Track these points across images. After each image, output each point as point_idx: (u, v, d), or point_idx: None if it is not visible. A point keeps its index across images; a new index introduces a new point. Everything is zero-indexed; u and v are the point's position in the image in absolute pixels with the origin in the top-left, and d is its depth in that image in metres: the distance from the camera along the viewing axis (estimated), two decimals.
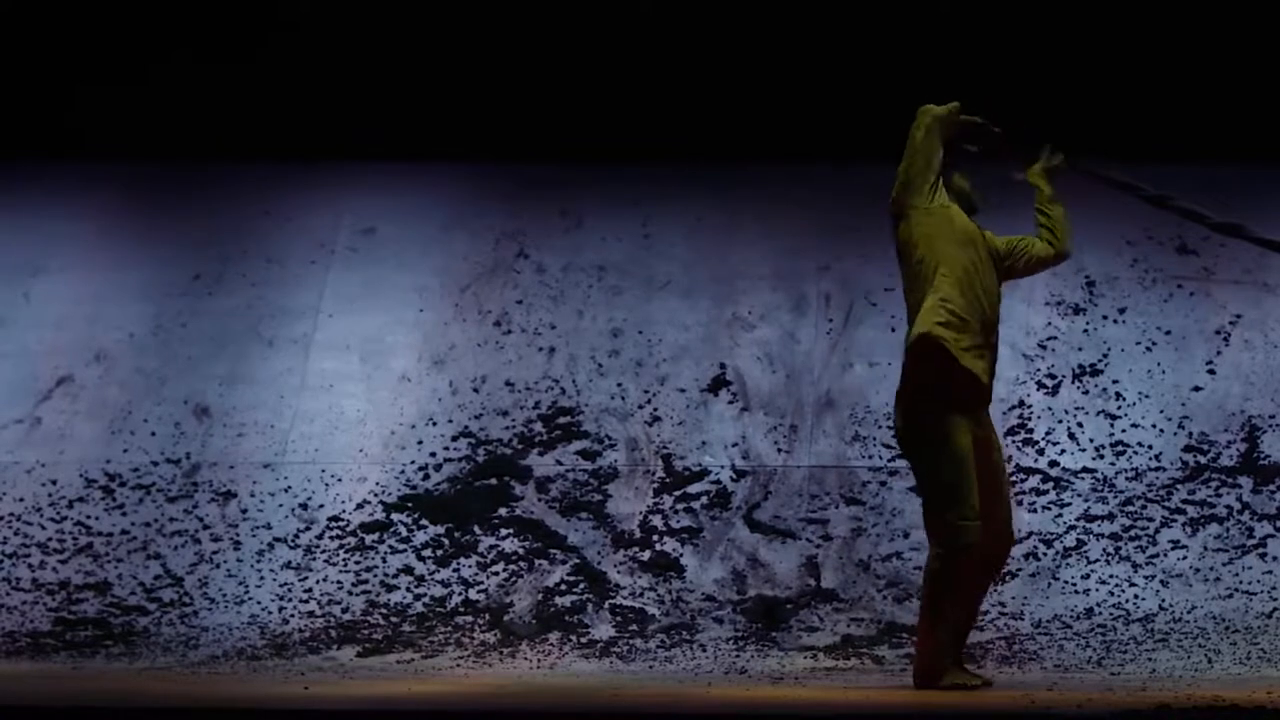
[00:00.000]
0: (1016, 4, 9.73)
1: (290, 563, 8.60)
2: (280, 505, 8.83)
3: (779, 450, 8.88)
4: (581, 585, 8.42)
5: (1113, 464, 8.70)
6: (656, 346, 9.32)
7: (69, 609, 8.44)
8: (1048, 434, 8.82)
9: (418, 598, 8.41)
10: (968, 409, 6.65)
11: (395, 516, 8.76)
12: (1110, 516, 8.53)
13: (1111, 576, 8.29)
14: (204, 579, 8.55)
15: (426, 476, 8.91)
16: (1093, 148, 8.30)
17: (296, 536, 8.70)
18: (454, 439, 9.04)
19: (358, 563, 8.57)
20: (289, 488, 8.89)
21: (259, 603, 8.42)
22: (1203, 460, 8.69)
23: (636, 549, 8.56)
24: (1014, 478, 8.60)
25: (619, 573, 8.46)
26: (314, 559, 8.60)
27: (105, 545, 8.71)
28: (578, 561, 8.53)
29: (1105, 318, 9.23)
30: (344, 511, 8.79)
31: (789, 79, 9.84)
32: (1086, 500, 8.58)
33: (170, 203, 10.11)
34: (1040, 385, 8.99)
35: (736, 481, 8.79)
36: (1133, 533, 8.45)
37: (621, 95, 9.93)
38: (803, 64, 9.85)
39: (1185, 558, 8.34)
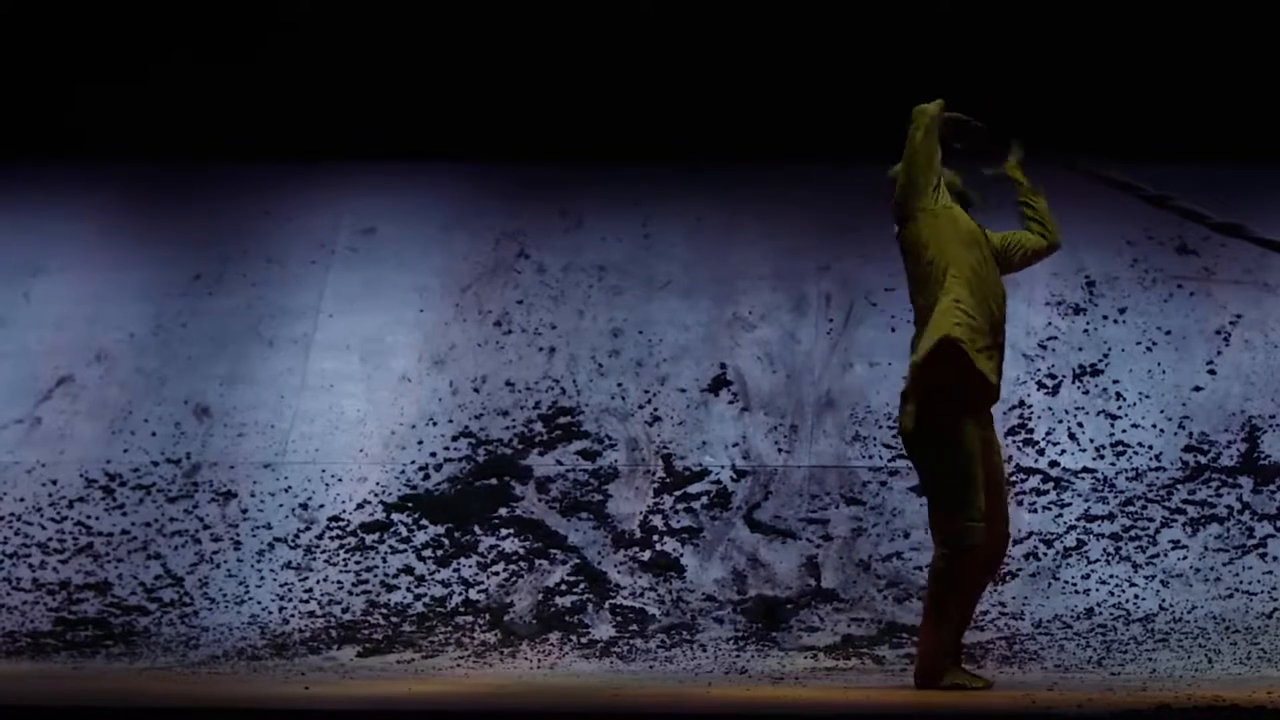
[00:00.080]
0: (1016, 4, 9.73)
1: (290, 563, 8.60)
2: (280, 505, 8.83)
3: (779, 450, 8.88)
4: (582, 585, 8.42)
5: (1113, 464, 8.70)
6: (657, 346, 9.32)
7: (69, 609, 8.44)
8: (1048, 434, 8.82)
9: (418, 598, 8.41)
10: (976, 409, 6.67)
11: (395, 516, 8.76)
12: (1110, 516, 8.53)
13: (1112, 576, 8.29)
14: (204, 579, 8.55)
15: (427, 476, 8.91)
16: (1093, 148, 8.31)
17: (297, 536, 8.70)
18: (454, 439, 9.04)
19: (358, 563, 8.57)
20: (289, 488, 8.89)
21: (259, 603, 8.42)
22: (1203, 460, 8.69)
23: (637, 549, 8.56)
24: (1014, 478, 8.60)
25: (619, 573, 8.46)
26: (314, 559, 8.61)
27: (105, 545, 8.71)
28: (578, 561, 8.53)
29: (1105, 318, 9.23)
30: (344, 511, 8.79)
31: (789, 79, 9.84)
32: (1087, 500, 8.59)
33: (170, 203, 10.11)
34: (1040, 385, 8.99)
35: (737, 481, 8.79)
36: (1133, 533, 8.46)
37: (621, 95, 9.93)
38: (803, 64, 9.85)
39: (1185, 558, 8.34)
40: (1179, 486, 8.61)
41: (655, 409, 9.08)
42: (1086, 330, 9.19)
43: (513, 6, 9.97)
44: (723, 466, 8.85)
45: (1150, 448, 8.75)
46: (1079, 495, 8.61)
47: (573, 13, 9.93)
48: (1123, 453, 8.74)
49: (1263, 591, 8.16)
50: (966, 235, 6.76)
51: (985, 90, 9.28)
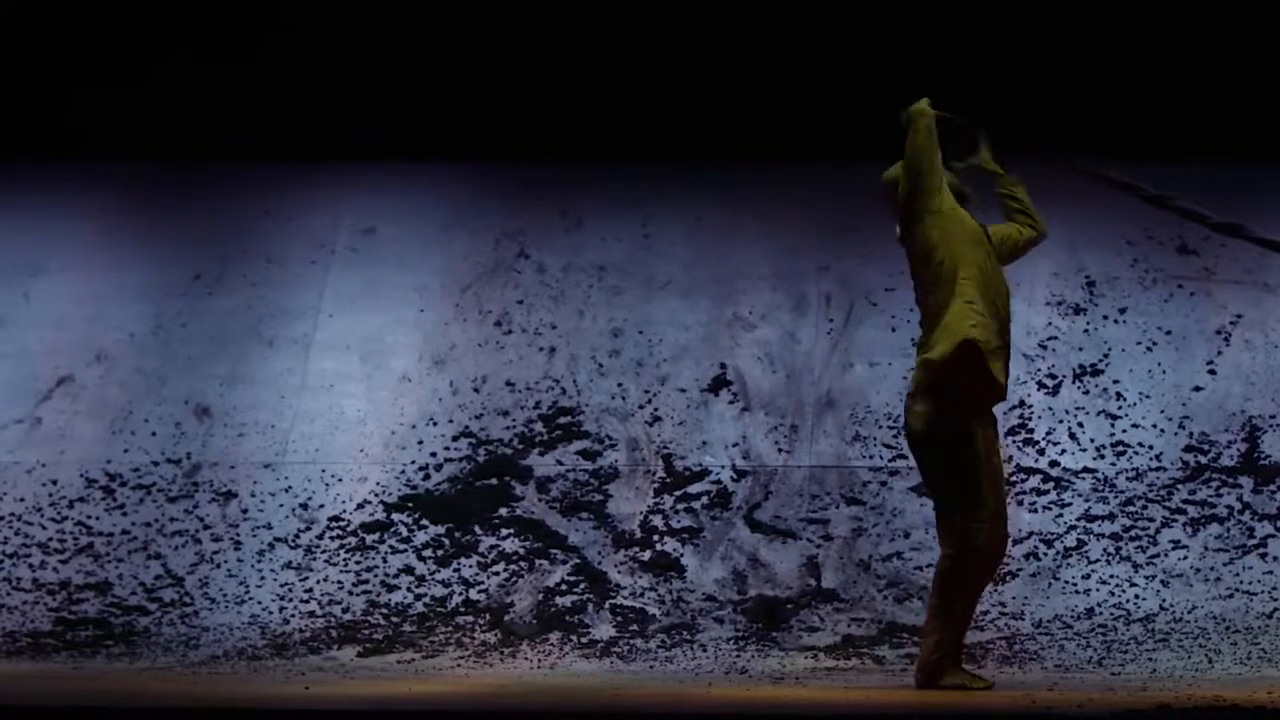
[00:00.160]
0: (1016, 4, 9.73)
1: (291, 563, 8.60)
2: (281, 505, 8.83)
3: (779, 450, 8.88)
4: (582, 585, 8.42)
5: (1113, 464, 8.70)
6: (657, 346, 9.32)
7: (70, 609, 8.44)
8: (1048, 434, 8.82)
9: (418, 598, 8.41)
10: (983, 409, 6.69)
11: (396, 516, 8.76)
12: (1111, 516, 8.53)
13: (1112, 576, 8.29)
14: (204, 579, 8.55)
15: (427, 476, 8.91)
16: (1093, 148, 8.30)
17: (297, 536, 8.70)
18: (454, 439, 9.04)
19: (358, 563, 8.57)
20: (289, 488, 8.89)
21: (259, 603, 8.42)
22: (1203, 460, 8.69)
23: (637, 549, 8.56)
24: (1014, 478, 8.60)
25: (619, 573, 8.46)
26: (314, 559, 8.60)
27: (106, 545, 8.71)
28: (578, 561, 8.53)
29: (1106, 318, 9.23)
30: (344, 511, 8.79)
31: (789, 79, 9.84)
32: (1087, 500, 8.59)
33: (170, 203, 10.11)
34: (1041, 385, 8.99)
35: (737, 481, 8.79)
36: (1133, 533, 8.46)
37: (621, 95, 9.93)
38: (803, 64, 9.85)
39: (1186, 558, 8.34)
40: (1179, 486, 8.61)
41: (655, 409, 9.08)
42: (1087, 330, 9.19)
43: (513, 6, 9.96)
44: (723, 466, 8.85)
45: (1150, 448, 8.75)
46: (1079, 495, 8.61)
47: (573, 13, 9.93)
48: (1123, 453, 8.75)
49: (1263, 591, 8.16)
50: (972, 235, 6.76)
51: (985, 90, 9.29)
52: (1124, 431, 8.81)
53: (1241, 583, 8.21)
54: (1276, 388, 8.92)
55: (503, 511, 8.75)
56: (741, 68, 9.88)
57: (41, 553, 8.69)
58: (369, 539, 8.67)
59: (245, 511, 8.81)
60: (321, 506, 8.82)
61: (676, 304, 9.49)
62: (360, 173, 10.15)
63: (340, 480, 8.90)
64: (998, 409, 6.87)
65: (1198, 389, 8.95)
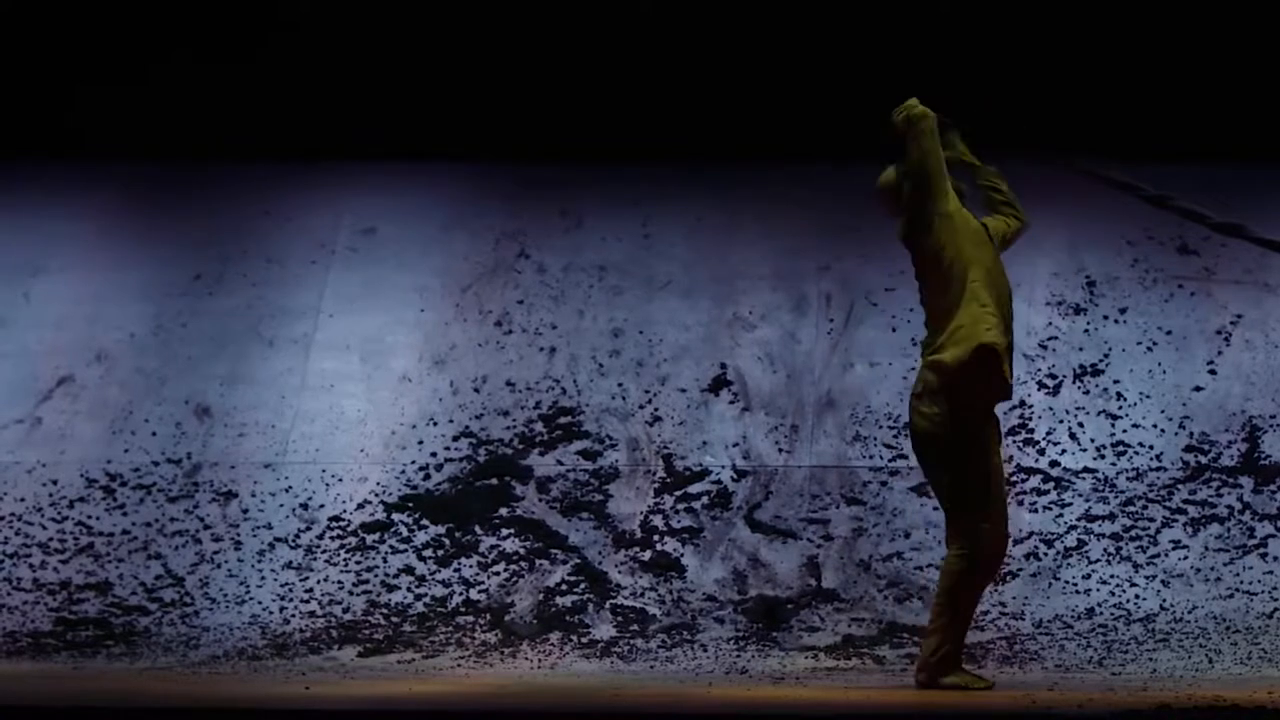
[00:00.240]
0: (1016, 4, 9.73)
1: (291, 563, 8.60)
2: (281, 505, 8.83)
3: (780, 450, 8.88)
4: (582, 585, 8.42)
5: (1114, 464, 8.70)
6: (657, 346, 9.32)
7: (70, 609, 8.44)
8: (1049, 434, 8.82)
9: (418, 598, 8.41)
10: (988, 409, 6.72)
11: (396, 516, 8.76)
12: (1111, 516, 8.53)
13: (1112, 576, 8.30)
14: (205, 579, 8.55)
15: (427, 476, 8.91)
16: (1093, 148, 8.31)
17: (297, 536, 8.70)
18: (455, 439, 9.04)
19: (358, 563, 8.57)
20: (290, 488, 8.89)
21: (260, 603, 8.42)
22: (1204, 460, 8.69)
23: (637, 549, 8.56)
24: (1015, 478, 8.60)
25: (620, 573, 8.46)
26: (315, 559, 8.60)
27: (106, 545, 8.71)
28: (578, 561, 8.53)
29: (1106, 318, 9.23)
30: (345, 511, 8.79)
31: (789, 79, 9.84)
32: (1087, 500, 8.59)
33: (170, 203, 10.11)
34: (1041, 385, 8.99)
35: (737, 481, 8.79)
36: (1134, 533, 8.46)
37: (621, 95, 9.93)
38: (803, 64, 9.85)
39: (1186, 558, 8.34)
40: (1180, 486, 8.61)
41: (656, 409, 9.08)
42: (1087, 330, 9.19)
43: (513, 6, 9.96)
44: (723, 466, 8.85)
45: (1151, 448, 8.75)
46: (1079, 495, 8.61)
47: (573, 13, 9.93)
48: (1123, 453, 8.75)
49: (1263, 591, 8.16)
50: (976, 235, 6.77)
51: (985, 90, 9.30)
52: (1124, 431, 8.81)
53: (1242, 583, 8.21)
54: (1277, 388, 8.92)
55: (503, 511, 8.75)
56: (741, 68, 9.88)
57: (42, 553, 8.69)
58: (369, 539, 8.67)
59: (245, 511, 8.81)
60: (322, 506, 8.82)
61: (677, 304, 9.49)
62: (360, 173, 10.15)
63: (340, 480, 8.90)
64: (998, 408, 6.88)
65: (1198, 389, 8.95)
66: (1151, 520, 8.49)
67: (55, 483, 8.96)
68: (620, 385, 9.18)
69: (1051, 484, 8.66)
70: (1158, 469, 8.68)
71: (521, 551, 8.58)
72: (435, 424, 9.09)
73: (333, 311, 9.58)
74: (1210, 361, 9.05)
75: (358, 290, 9.65)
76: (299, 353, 9.43)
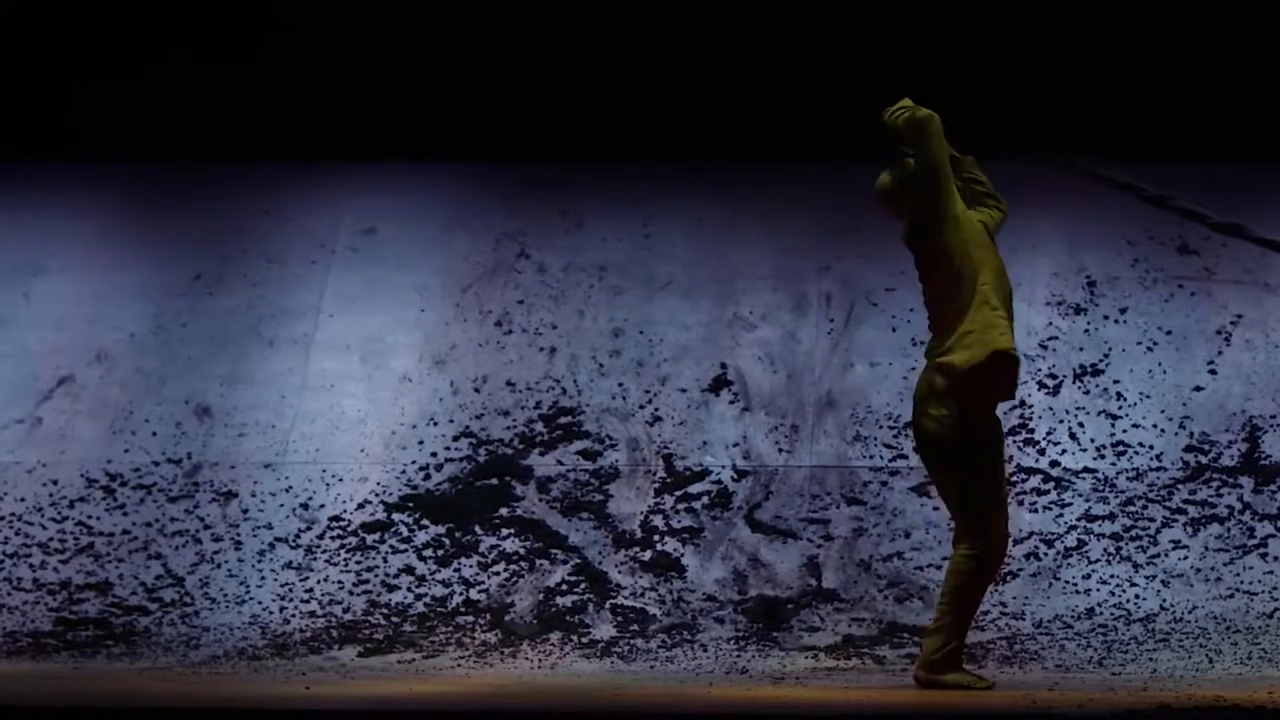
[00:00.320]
0: (1016, 4, 9.73)
1: (291, 563, 8.60)
2: (281, 505, 8.83)
3: (780, 450, 8.88)
4: (582, 585, 8.42)
5: (1114, 464, 8.70)
6: (657, 346, 9.32)
7: (70, 609, 8.44)
8: (1049, 434, 8.82)
9: (419, 598, 8.40)
10: (994, 410, 6.75)
11: (396, 516, 8.75)
12: (1111, 516, 8.53)
13: (1112, 576, 8.29)
14: (205, 579, 8.55)
15: (427, 476, 8.91)
16: (1093, 148, 8.30)
17: (297, 536, 8.70)
18: (455, 439, 9.04)
19: (359, 563, 8.57)
20: (290, 488, 8.89)
21: (260, 603, 8.42)
22: (1204, 460, 8.69)
23: (637, 549, 8.56)
24: (1015, 477, 8.60)
25: (620, 573, 8.46)
26: (315, 559, 8.60)
27: (106, 545, 8.71)
28: (579, 561, 8.53)
29: (1106, 318, 9.23)
30: (345, 511, 8.79)
31: (789, 79, 9.84)
32: (1087, 500, 8.59)
33: (170, 203, 10.11)
34: (1041, 385, 8.99)
35: (737, 481, 8.79)
36: (1134, 533, 8.46)
37: (621, 95, 9.93)
38: (803, 64, 9.84)
39: (1186, 558, 8.34)
40: (1180, 486, 8.61)
41: (656, 409, 9.07)
42: (1087, 330, 9.19)
43: (513, 6, 9.96)
44: (723, 466, 8.85)
45: (1151, 448, 8.75)
46: (1080, 495, 8.61)
47: (573, 13, 9.93)
48: (1123, 453, 8.75)
49: (1263, 591, 8.16)
50: (980, 235, 6.77)
51: (985, 90, 9.30)
52: (1124, 431, 8.81)
53: (1242, 583, 8.21)
54: (1277, 388, 8.92)
55: (503, 511, 8.75)
56: (741, 68, 9.88)
57: (42, 553, 8.69)
58: (369, 539, 8.67)
59: (246, 511, 8.81)
60: (322, 506, 8.81)
61: (677, 304, 9.49)
62: (360, 173, 10.15)
63: (341, 480, 8.90)
64: (999, 408, 6.89)
65: (1198, 389, 8.95)
66: (1152, 520, 8.49)
67: (55, 483, 8.96)
68: (620, 385, 9.18)
69: (1052, 484, 8.66)
70: (1158, 469, 8.68)
71: (522, 551, 8.58)
72: (435, 424, 9.09)
73: (333, 311, 9.58)
74: (1210, 361, 9.05)
75: (358, 290, 9.65)
76: (299, 353, 9.43)
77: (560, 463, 8.90)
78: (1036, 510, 8.54)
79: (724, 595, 8.34)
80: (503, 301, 9.56)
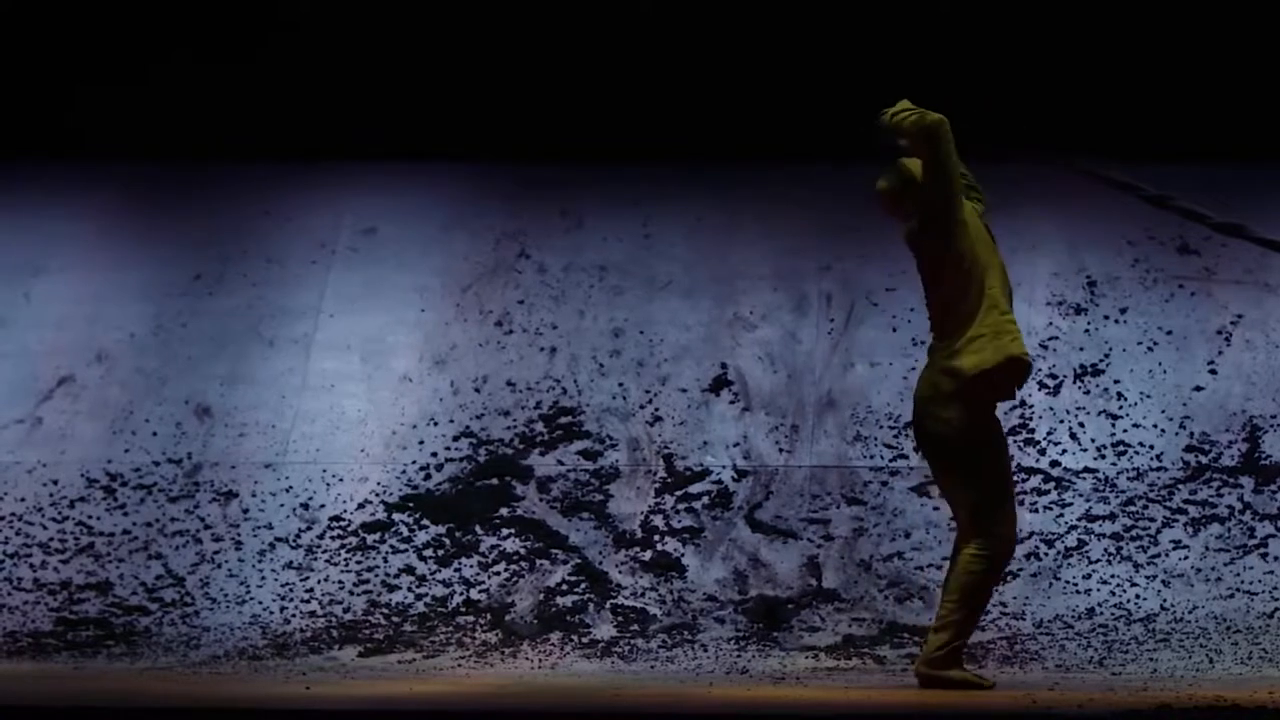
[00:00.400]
0: (1016, 4, 9.73)
1: (291, 563, 8.60)
2: (281, 505, 8.83)
3: (780, 450, 8.88)
4: (583, 585, 8.42)
5: (1114, 464, 8.71)
6: (658, 346, 9.32)
7: (70, 609, 8.44)
8: (1049, 434, 8.82)
9: (419, 598, 8.40)
10: (995, 408, 6.78)
11: (396, 516, 8.75)
12: (1111, 516, 8.53)
13: (1113, 576, 8.30)
14: (205, 579, 8.55)
15: (428, 476, 8.91)
16: (1093, 148, 8.31)
17: (298, 536, 8.70)
18: (455, 439, 9.04)
19: (359, 562, 8.57)
20: (290, 488, 8.89)
21: (260, 603, 8.42)
22: (1204, 460, 8.70)
23: (638, 549, 8.56)
24: (1016, 477, 8.59)
25: (620, 573, 8.46)
26: (315, 559, 8.60)
27: (107, 545, 8.71)
28: (579, 561, 8.53)
29: (1106, 318, 9.23)
30: (345, 511, 8.79)
31: (789, 79, 9.84)
32: (1088, 500, 8.59)
33: (170, 203, 10.11)
34: (1041, 385, 8.99)
35: (738, 481, 8.79)
36: (1134, 533, 8.46)
37: (621, 95, 9.93)
38: (803, 64, 9.85)
39: (1187, 558, 8.34)
40: (1180, 486, 8.61)
41: (656, 409, 9.07)
42: (1088, 330, 9.19)
43: (513, 6, 9.96)
44: (724, 466, 8.85)
45: (1151, 448, 8.75)
46: (1080, 495, 8.61)
47: (573, 13, 9.93)
48: (1124, 453, 8.75)
49: (1264, 591, 8.16)
50: (983, 236, 6.79)
51: (985, 90, 9.30)
52: (1125, 431, 8.81)
53: (1242, 583, 8.21)
54: (1277, 388, 8.92)
55: (503, 511, 8.75)
56: (741, 68, 9.88)
57: (42, 553, 8.69)
58: (370, 539, 8.67)
59: (246, 511, 8.81)
60: (322, 506, 8.81)
61: (677, 304, 9.49)
62: (360, 173, 10.15)
63: (341, 480, 8.90)
64: (998, 408, 6.89)
65: (1198, 389, 8.95)
66: (1152, 520, 8.49)
67: (56, 483, 8.96)
68: (621, 385, 9.18)
69: (1052, 484, 8.66)
70: (1158, 469, 8.68)
71: (522, 551, 8.58)
72: (436, 424, 9.09)
73: (333, 311, 9.58)
74: (1211, 361, 9.05)
75: (358, 290, 9.65)
76: (299, 353, 9.43)
77: (561, 463, 8.90)
78: (1037, 510, 8.54)
79: (724, 595, 8.34)
80: (503, 301, 9.56)
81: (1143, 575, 8.28)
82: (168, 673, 7.55)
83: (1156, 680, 7.19)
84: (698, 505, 8.70)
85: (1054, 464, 8.72)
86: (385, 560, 8.57)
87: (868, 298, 9.40)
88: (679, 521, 8.64)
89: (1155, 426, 8.82)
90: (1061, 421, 8.86)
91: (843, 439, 8.90)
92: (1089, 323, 9.22)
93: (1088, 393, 8.97)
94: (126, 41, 10.11)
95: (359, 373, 9.33)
